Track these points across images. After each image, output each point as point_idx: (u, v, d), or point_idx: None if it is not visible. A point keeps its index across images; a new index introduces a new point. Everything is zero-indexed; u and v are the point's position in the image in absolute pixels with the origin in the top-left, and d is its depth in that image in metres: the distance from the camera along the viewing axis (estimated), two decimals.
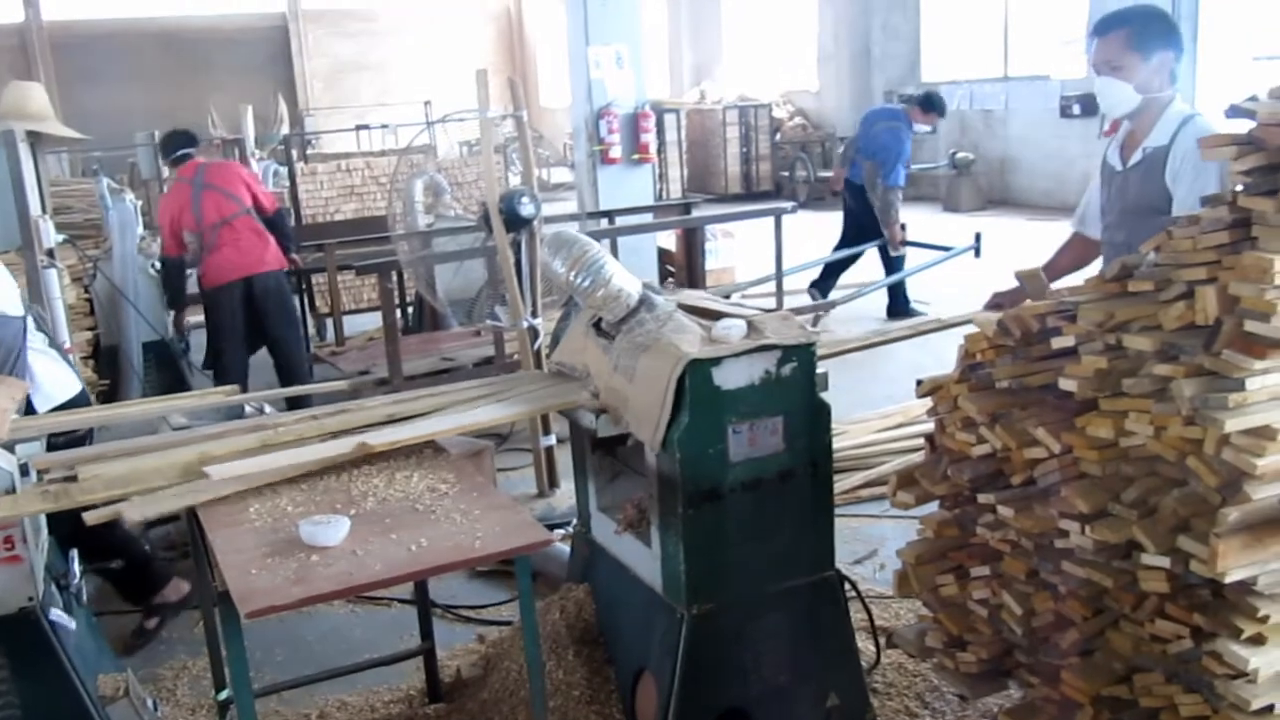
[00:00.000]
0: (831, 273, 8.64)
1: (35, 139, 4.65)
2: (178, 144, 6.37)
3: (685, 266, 7.97)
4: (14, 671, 2.73)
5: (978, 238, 8.14)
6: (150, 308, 6.09)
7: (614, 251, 6.87)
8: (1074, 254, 3.58)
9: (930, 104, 8.39)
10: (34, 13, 24.26)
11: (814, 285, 8.57)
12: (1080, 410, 2.21)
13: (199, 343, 7.14)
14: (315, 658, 3.79)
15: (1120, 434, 2.13)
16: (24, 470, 2.79)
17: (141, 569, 3.97)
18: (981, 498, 2.40)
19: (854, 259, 8.69)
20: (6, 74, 23.30)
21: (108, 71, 24.10)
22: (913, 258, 8.75)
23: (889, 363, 6.66)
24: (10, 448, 2.80)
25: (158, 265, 6.22)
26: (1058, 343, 2.25)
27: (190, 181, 5.94)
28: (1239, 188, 2.00)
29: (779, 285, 7.31)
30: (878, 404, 5.87)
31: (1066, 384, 2.21)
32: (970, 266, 9.77)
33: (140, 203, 6.92)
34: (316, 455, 2.70)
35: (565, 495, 4.88)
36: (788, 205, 8.16)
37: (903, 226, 8.48)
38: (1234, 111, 1.98)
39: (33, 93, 4.86)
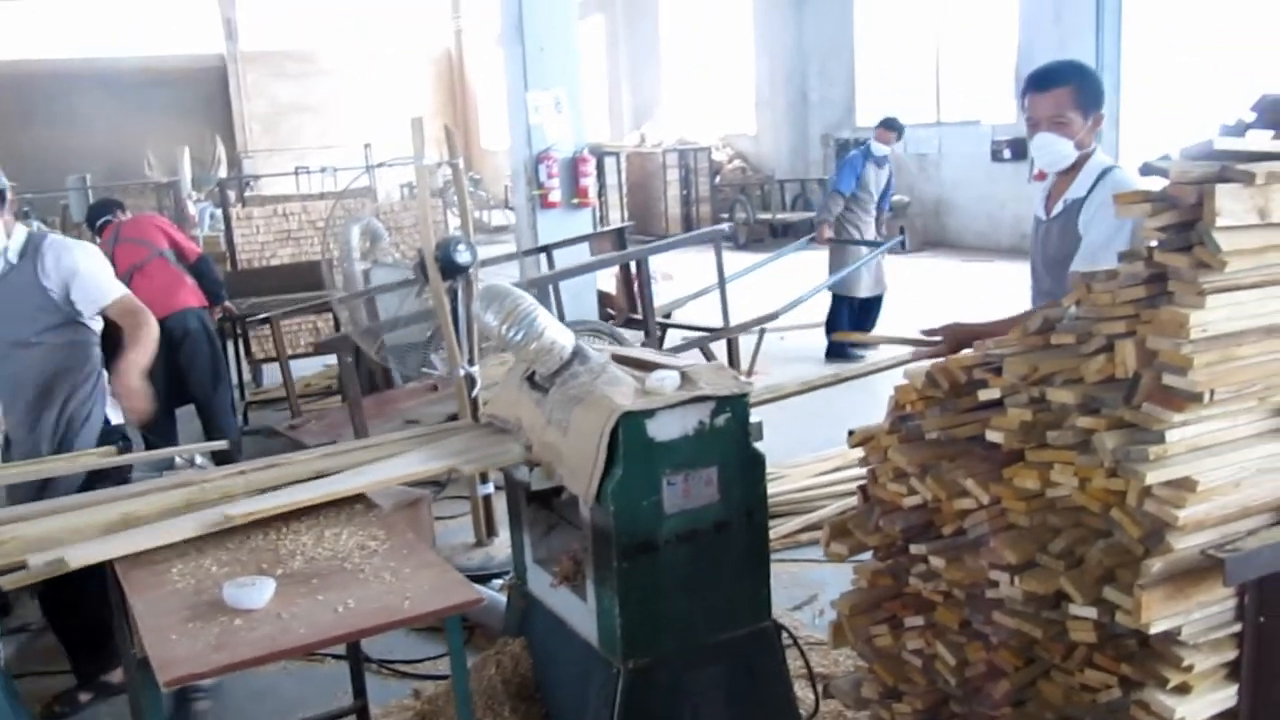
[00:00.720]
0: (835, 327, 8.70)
1: None
2: (98, 213, 6.57)
3: (629, 304, 7.98)
4: None
5: (902, 230, 8.31)
6: None
7: (555, 294, 6.86)
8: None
9: (890, 124, 8.83)
10: None
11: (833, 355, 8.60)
12: (1007, 461, 2.23)
13: None
14: (245, 717, 3.70)
15: (1046, 485, 2.15)
16: None
17: (104, 642, 3.78)
18: (913, 548, 2.41)
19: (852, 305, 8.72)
20: None
21: (43, 111, 23.77)
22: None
23: (828, 405, 6.68)
24: None
25: None
26: (985, 394, 2.28)
27: (106, 242, 6.04)
28: (1154, 243, 2.05)
29: (724, 303, 7.42)
30: (817, 447, 5.89)
31: (993, 435, 2.23)
32: (905, 309, 9.92)
33: None
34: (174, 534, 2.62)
35: (504, 544, 4.82)
36: (724, 228, 8.35)
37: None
38: (1147, 169, 2.02)
39: None
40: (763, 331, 7.76)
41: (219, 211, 14.52)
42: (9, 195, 3.58)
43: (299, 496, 2.72)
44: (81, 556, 2.45)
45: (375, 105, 26.68)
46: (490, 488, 4.85)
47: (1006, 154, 13.82)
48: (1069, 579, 2.07)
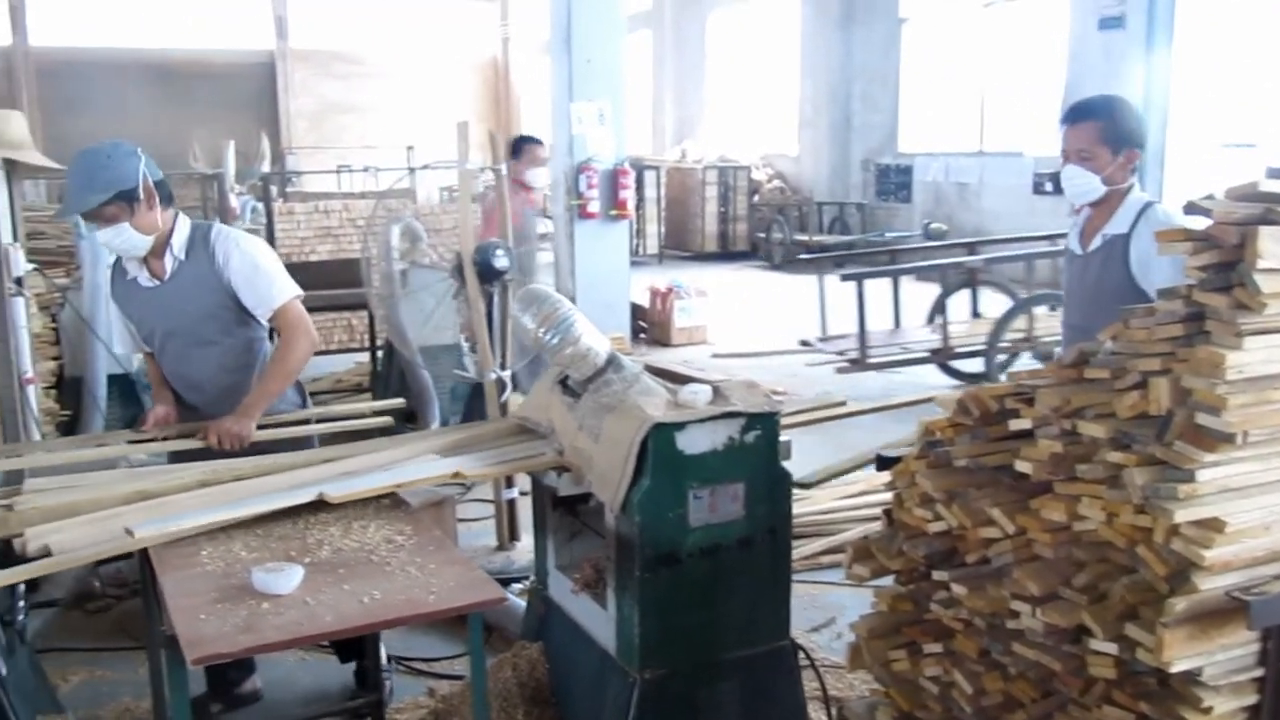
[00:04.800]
0: None
1: (11, 166, 4.64)
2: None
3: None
4: None
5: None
6: (117, 340, 6.03)
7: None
8: None
9: None
10: (21, 38, 24.26)
11: None
12: (1035, 492, 2.23)
13: None
14: (261, 705, 3.73)
15: (1073, 518, 2.15)
16: None
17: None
18: (936, 575, 2.41)
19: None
20: None
21: (92, 100, 24.04)
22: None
23: (854, 428, 6.69)
24: None
25: None
26: (1015, 424, 2.28)
27: None
28: (1194, 282, 2.05)
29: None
30: None
31: (1022, 466, 2.24)
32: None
33: None
34: (241, 513, 2.66)
35: (525, 549, 4.84)
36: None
37: None
38: (1191, 209, 2.03)
39: (11, 120, 4.85)
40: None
41: (260, 205, 14.71)
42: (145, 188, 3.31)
43: (381, 481, 2.76)
44: (147, 535, 2.50)
45: (419, 109, 26.87)
46: (514, 492, 4.88)
47: (1048, 187, 13.73)
48: (1091, 613, 2.07)
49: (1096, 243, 3.19)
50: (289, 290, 3.48)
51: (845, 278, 8.49)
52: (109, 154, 3.24)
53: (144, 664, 3.94)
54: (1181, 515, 1.94)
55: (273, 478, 2.88)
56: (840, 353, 8.24)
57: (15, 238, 4.50)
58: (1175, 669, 1.95)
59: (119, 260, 3.48)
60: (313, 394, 8.28)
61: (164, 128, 23.98)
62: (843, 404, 4.10)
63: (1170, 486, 1.96)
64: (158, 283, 3.42)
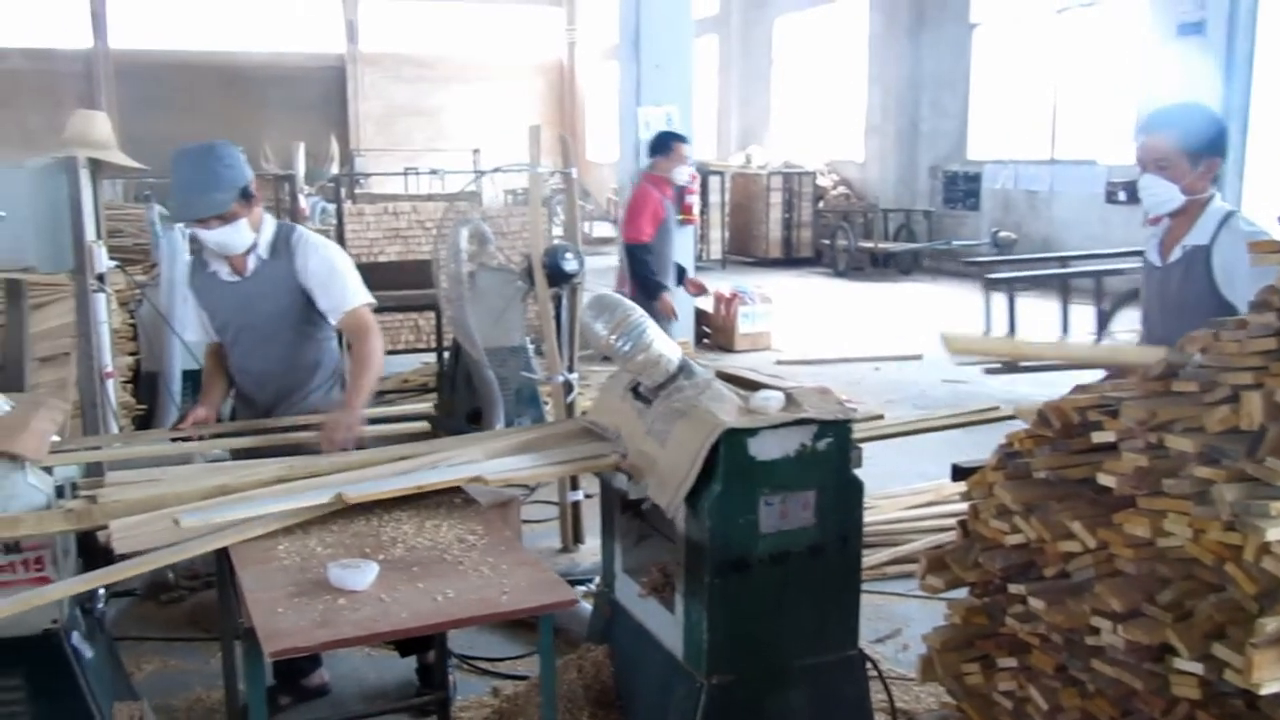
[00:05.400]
0: None
1: (95, 166, 4.76)
2: None
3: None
4: (32, 693, 2.75)
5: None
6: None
7: None
8: None
9: None
10: (101, 41, 24.92)
11: None
12: (1118, 506, 2.19)
13: None
14: (329, 699, 3.78)
15: (1158, 534, 2.10)
16: (60, 492, 2.83)
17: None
18: (1012, 588, 2.37)
19: None
20: (71, 99, 23.95)
21: (167, 101, 24.60)
22: None
23: (923, 438, 6.62)
24: (49, 470, 2.84)
25: None
26: (1098, 437, 2.24)
27: None
28: None
29: None
30: (908, 480, 5.83)
31: (1105, 479, 2.19)
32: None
33: (189, 232, 7.03)
34: (294, 506, 2.69)
35: (589, 551, 4.86)
36: None
37: None
38: None
39: (97, 121, 4.98)
40: None
41: (329, 206, 14.91)
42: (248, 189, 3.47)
43: (403, 484, 2.78)
44: (194, 524, 2.54)
45: (485, 112, 27.16)
46: (580, 494, 4.89)
47: (1122, 196, 13.48)
48: (1176, 631, 2.02)
49: (1176, 254, 3.12)
50: (362, 295, 3.57)
51: (992, 284, 8.48)
52: (227, 155, 3.37)
53: (215, 655, 4.02)
54: (1274, 533, 1.89)
55: (339, 475, 2.91)
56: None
57: (99, 235, 4.61)
58: (1265, 691, 1.90)
59: (200, 251, 3.59)
60: (380, 393, 8.43)
61: (236, 129, 24.46)
62: (880, 417, 4.02)
63: (1262, 504, 1.91)
64: (238, 278, 3.52)
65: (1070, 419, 2.31)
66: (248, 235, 3.44)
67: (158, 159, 5.26)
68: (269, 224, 3.53)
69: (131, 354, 6.04)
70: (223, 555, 2.59)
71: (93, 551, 2.91)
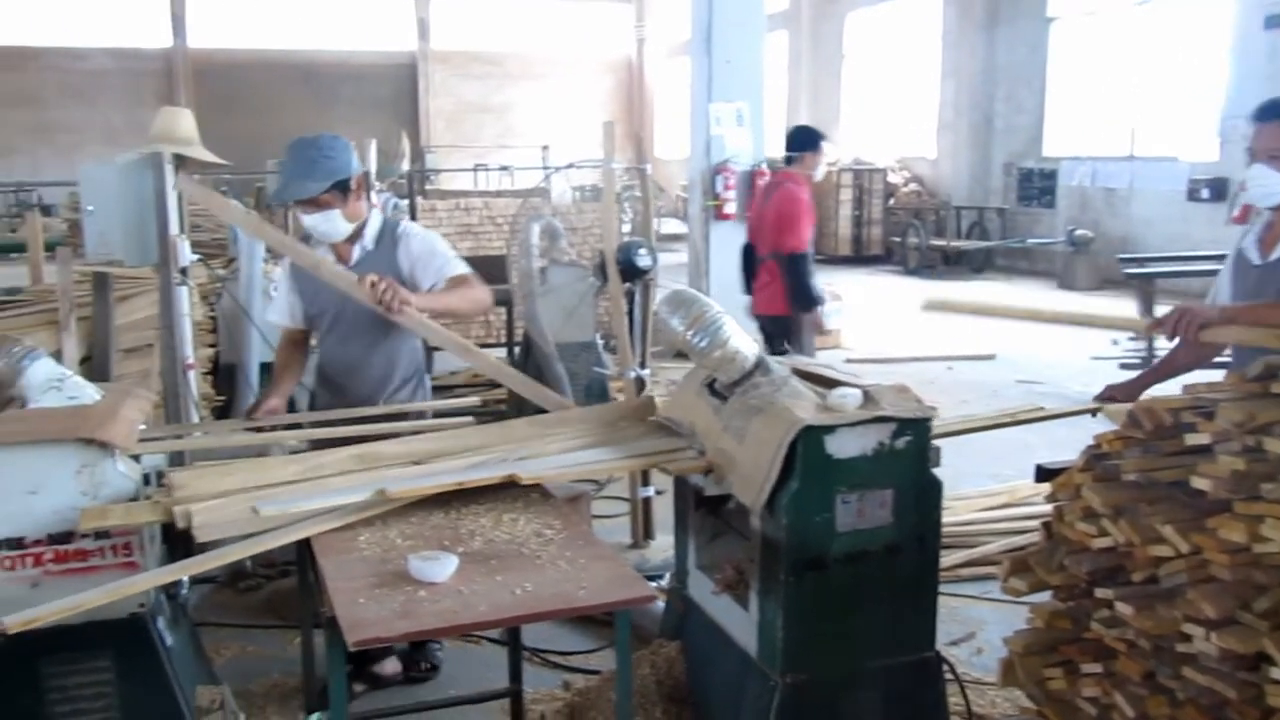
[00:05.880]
0: None
1: (180, 162, 4.86)
2: None
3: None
4: (119, 675, 2.81)
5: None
6: (269, 329, 6.26)
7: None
8: (1194, 350, 3.35)
9: None
10: (180, 40, 25.50)
11: None
12: (1212, 511, 2.13)
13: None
14: (401, 688, 3.82)
15: (1254, 539, 2.04)
16: (146, 480, 2.89)
17: None
18: (1099, 592, 2.32)
19: None
20: (151, 97, 24.54)
21: (243, 98, 25.10)
22: None
23: (995, 439, 6.51)
24: (136, 459, 2.90)
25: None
26: (1191, 439, 2.18)
27: None
28: None
29: None
30: (981, 481, 5.75)
31: (1199, 483, 2.14)
32: (1083, 349, 9.57)
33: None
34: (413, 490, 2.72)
35: (659, 548, 4.85)
36: None
37: None
38: None
39: (181, 119, 5.08)
40: None
41: (401, 202, 15.07)
42: (356, 180, 3.57)
43: (468, 477, 2.80)
44: (271, 513, 2.59)
45: (554, 109, 27.30)
46: (651, 491, 4.89)
47: (1205, 194, 13.14)
48: (1273, 640, 1.96)
49: (1278, 253, 3.02)
50: (462, 266, 3.68)
51: (1130, 275, 8.59)
52: (329, 147, 3.50)
53: (291, 642, 4.10)
54: None
55: (411, 468, 2.94)
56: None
57: (182, 230, 4.70)
58: None
59: (308, 239, 3.71)
60: (449, 387, 8.52)
61: (309, 126, 24.62)
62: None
63: None
64: (341, 268, 3.59)
65: (1162, 420, 2.25)
66: (341, 225, 3.54)
67: (234, 156, 5.37)
68: (375, 218, 3.66)
69: (211, 346, 6.17)
70: (304, 545, 2.63)
71: (175, 538, 2.98)
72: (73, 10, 24.83)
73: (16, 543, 2.66)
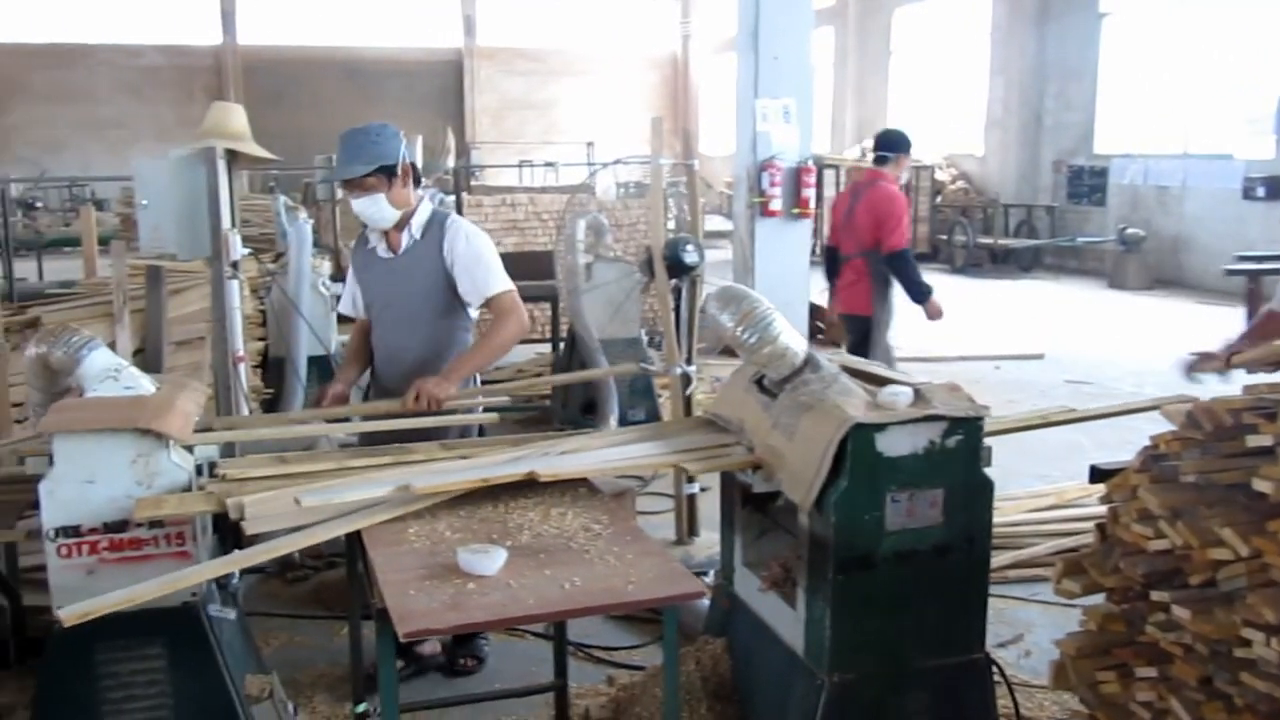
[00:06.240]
0: None
1: (232, 157, 4.91)
2: None
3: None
4: (171, 662, 2.85)
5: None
6: (316, 323, 6.33)
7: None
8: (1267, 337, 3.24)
9: None
10: (230, 37, 25.83)
11: None
12: (1273, 514, 2.09)
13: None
14: (445, 680, 3.84)
15: None
16: (199, 470, 2.93)
17: None
18: (1155, 595, 2.28)
19: None
20: (201, 93, 24.91)
21: (290, 95, 25.41)
22: None
23: (1041, 440, 6.43)
24: (190, 449, 2.94)
25: (328, 284, 6.52)
26: (1254, 440, 2.14)
27: None
28: None
29: None
30: (1028, 482, 5.69)
31: (1261, 485, 2.09)
32: (1135, 349, 9.44)
33: (312, 222, 7.25)
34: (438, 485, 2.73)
35: (703, 545, 4.84)
36: None
37: None
38: None
39: (234, 114, 5.13)
40: None
41: (447, 198, 15.14)
42: (403, 167, 3.62)
43: (513, 470, 2.80)
44: (314, 504, 2.62)
45: (598, 105, 27.35)
46: (695, 487, 4.87)
47: (1260, 192, 12.90)
48: None
49: None
50: (504, 283, 3.70)
51: (1232, 272, 8.23)
52: (377, 133, 3.60)
53: (338, 633, 4.14)
54: None
55: (448, 463, 2.95)
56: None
57: (234, 224, 4.75)
58: None
59: (364, 229, 3.79)
60: (493, 382, 8.54)
61: (356, 121, 24.84)
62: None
63: None
64: (392, 255, 3.71)
65: (1223, 421, 2.21)
66: (388, 211, 3.60)
67: (282, 151, 5.42)
68: (425, 208, 3.72)
69: (260, 339, 6.24)
70: (354, 537, 2.65)
71: (225, 528, 3.02)
72: (126, 8, 25.22)
73: (73, 530, 2.70)
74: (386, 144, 3.57)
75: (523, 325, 3.71)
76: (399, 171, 3.58)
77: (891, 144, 6.38)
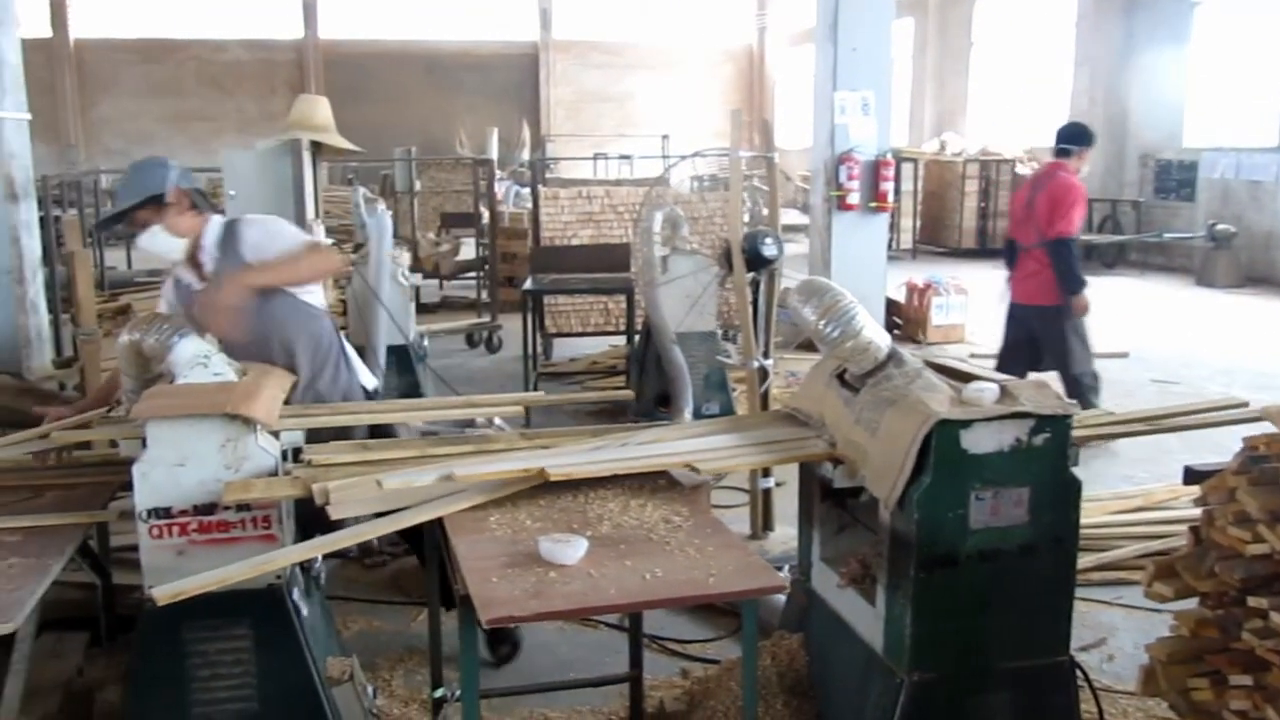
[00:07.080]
0: None
1: (316, 149, 5.00)
2: None
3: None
4: (256, 643, 2.91)
5: None
6: (396, 312, 6.41)
7: None
8: None
9: None
10: (312, 32, 26.32)
11: None
12: None
13: (440, 349, 7.46)
14: (519, 669, 3.86)
15: None
16: (284, 456, 2.98)
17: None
18: (1252, 601, 2.21)
19: None
20: (283, 86, 25.45)
21: (369, 88, 25.82)
22: None
23: (1128, 441, 6.29)
24: (275, 435, 2.99)
25: (406, 274, 6.61)
26: None
27: None
28: None
29: None
30: (1113, 484, 5.58)
31: None
32: (1224, 348, 9.18)
33: (391, 213, 7.36)
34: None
35: (778, 540, 4.82)
36: None
37: None
38: None
39: (319, 106, 5.23)
40: None
41: (523, 190, 15.27)
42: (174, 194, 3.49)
43: (607, 460, 2.81)
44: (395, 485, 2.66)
45: (673, 98, 27.35)
46: (770, 482, 4.85)
47: None
48: None
49: None
50: (304, 237, 3.61)
51: None
52: (138, 167, 3.53)
53: (415, 618, 4.20)
54: None
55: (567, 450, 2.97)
56: None
57: (317, 214, 4.84)
58: None
59: (174, 272, 3.61)
60: (568, 374, 8.61)
61: (433, 115, 25.53)
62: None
63: None
64: (205, 282, 3.50)
65: None
66: (170, 241, 3.45)
67: (361, 144, 5.51)
68: (214, 223, 3.52)
69: (342, 328, 6.33)
70: (436, 524, 2.68)
71: (307, 512, 3.07)
72: (211, 4, 25.83)
73: (164, 512, 2.77)
74: (149, 174, 3.43)
75: (330, 261, 3.58)
76: (169, 200, 3.41)
77: (1074, 137, 6.46)
